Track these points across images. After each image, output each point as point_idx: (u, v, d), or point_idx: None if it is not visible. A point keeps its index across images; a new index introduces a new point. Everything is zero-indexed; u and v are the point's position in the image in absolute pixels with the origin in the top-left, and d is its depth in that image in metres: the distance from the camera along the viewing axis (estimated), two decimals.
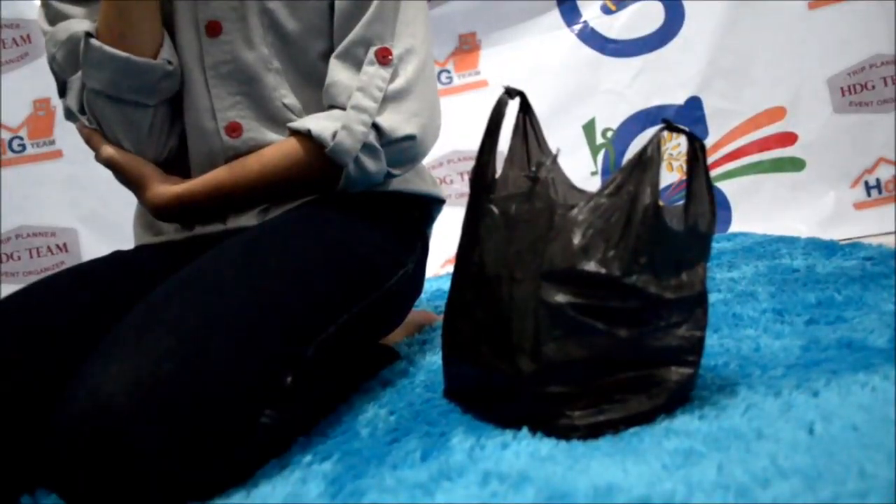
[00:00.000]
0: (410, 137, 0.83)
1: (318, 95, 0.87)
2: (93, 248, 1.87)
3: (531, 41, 1.94)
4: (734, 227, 1.85)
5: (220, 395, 0.59)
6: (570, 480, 0.50)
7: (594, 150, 1.92)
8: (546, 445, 0.58)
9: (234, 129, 0.87)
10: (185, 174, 0.89)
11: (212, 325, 0.62)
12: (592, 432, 0.59)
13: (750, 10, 1.84)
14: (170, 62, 0.84)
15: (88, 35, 0.81)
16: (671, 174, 1.91)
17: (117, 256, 0.89)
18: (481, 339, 0.66)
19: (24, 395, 0.65)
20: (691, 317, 0.64)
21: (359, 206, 0.87)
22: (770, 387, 0.64)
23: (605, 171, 1.92)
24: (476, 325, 0.67)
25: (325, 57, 0.87)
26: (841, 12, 1.82)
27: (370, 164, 0.82)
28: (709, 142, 1.89)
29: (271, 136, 0.87)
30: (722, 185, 1.88)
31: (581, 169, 1.91)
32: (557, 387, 0.60)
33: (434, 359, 0.89)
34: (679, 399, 0.63)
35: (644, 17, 1.90)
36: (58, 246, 1.90)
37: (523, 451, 0.57)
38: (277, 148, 0.84)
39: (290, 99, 0.87)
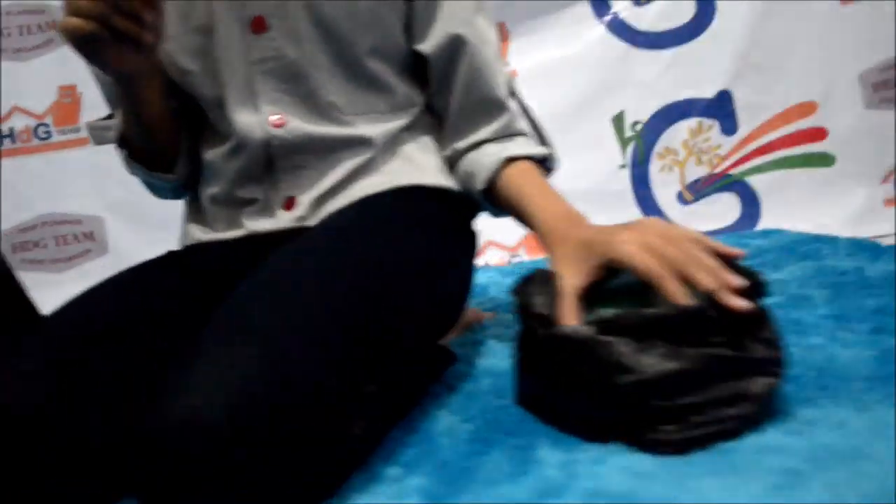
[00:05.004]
0: None
1: (362, 92, 0.86)
2: (119, 236, 1.87)
3: (560, 32, 1.92)
4: (763, 223, 1.84)
5: (315, 409, 0.58)
6: (679, 501, 0.50)
7: (623, 143, 1.91)
8: (642, 462, 0.57)
9: (278, 124, 0.85)
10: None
11: (299, 336, 0.61)
12: (684, 447, 0.59)
13: (782, 5, 1.83)
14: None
15: (120, 142, 0.90)
16: (700, 167, 1.91)
17: (173, 258, 0.88)
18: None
19: (106, 402, 0.65)
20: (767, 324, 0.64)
21: (414, 206, 0.86)
22: (854, 400, 0.64)
23: (633, 164, 1.91)
24: None
25: (373, 54, 0.86)
26: (873, 8, 1.81)
27: None
28: (738, 136, 1.89)
29: (315, 129, 0.86)
30: (751, 180, 1.88)
31: (609, 162, 1.90)
32: (652, 400, 0.59)
33: (494, 361, 0.89)
34: (765, 411, 0.63)
35: (675, 10, 1.88)
36: (84, 234, 1.89)
37: (620, 467, 0.56)
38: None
39: (335, 96, 0.86)
